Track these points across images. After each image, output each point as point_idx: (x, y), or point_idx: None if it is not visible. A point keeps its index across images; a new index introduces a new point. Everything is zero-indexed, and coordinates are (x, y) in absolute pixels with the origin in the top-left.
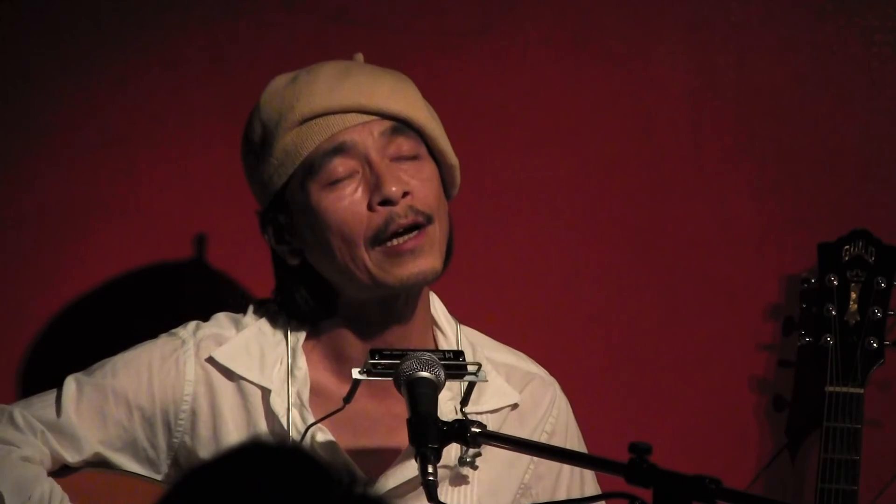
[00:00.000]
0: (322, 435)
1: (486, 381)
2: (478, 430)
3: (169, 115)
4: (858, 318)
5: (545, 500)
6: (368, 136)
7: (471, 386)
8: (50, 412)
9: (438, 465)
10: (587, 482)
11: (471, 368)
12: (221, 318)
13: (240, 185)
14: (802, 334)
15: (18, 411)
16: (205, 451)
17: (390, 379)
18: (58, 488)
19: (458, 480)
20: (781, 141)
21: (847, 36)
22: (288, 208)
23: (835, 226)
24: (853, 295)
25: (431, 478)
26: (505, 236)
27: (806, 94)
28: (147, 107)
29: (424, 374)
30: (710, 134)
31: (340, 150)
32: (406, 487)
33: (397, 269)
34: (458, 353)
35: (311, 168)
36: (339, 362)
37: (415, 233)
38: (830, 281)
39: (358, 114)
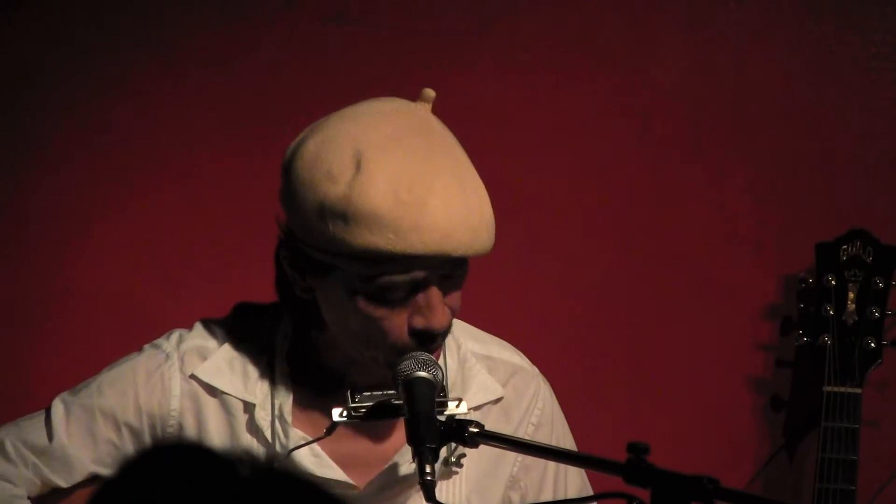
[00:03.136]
0: (308, 447)
1: (467, 413)
2: (475, 430)
3: (168, 115)
4: (856, 318)
5: (533, 492)
6: (439, 272)
7: (451, 416)
8: (41, 437)
9: None
10: (571, 471)
11: (451, 404)
12: (204, 328)
13: (239, 186)
14: (800, 334)
15: (10, 441)
16: None
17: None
18: None
19: (447, 479)
20: (780, 141)
21: (845, 36)
22: (324, 273)
23: (833, 226)
24: (851, 295)
25: (430, 478)
26: (503, 236)
27: (804, 93)
28: (146, 107)
29: (422, 373)
30: (709, 134)
31: (410, 284)
32: (392, 493)
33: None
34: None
35: (373, 285)
36: (324, 372)
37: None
38: (828, 281)
39: (446, 258)
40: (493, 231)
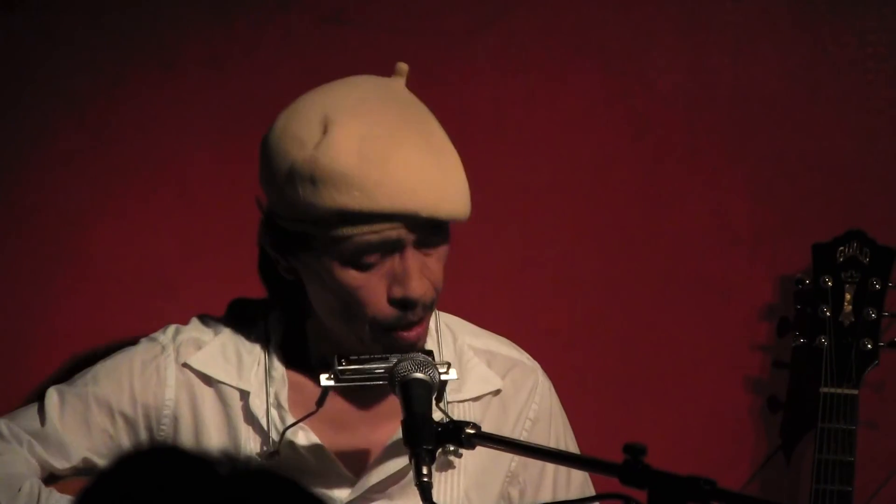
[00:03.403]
0: (303, 434)
1: (456, 378)
2: (472, 432)
3: (166, 115)
4: (853, 319)
5: (532, 488)
6: (412, 234)
7: (443, 384)
8: (34, 422)
9: None
10: (573, 469)
11: (441, 368)
12: (200, 322)
13: (236, 186)
14: (797, 335)
15: (4, 423)
16: None
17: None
18: (44, 485)
19: (444, 470)
20: (776, 141)
21: (841, 36)
22: (302, 245)
23: (829, 226)
24: (848, 296)
25: (426, 479)
26: (500, 235)
27: (800, 94)
28: (144, 107)
29: (419, 375)
30: (705, 135)
31: (382, 246)
32: (389, 482)
33: (391, 345)
34: (428, 353)
35: (346, 247)
36: (316, 362)
37: (418, 322)
38: (825, 282)
39: (414, 217)
40: (467, 198)
